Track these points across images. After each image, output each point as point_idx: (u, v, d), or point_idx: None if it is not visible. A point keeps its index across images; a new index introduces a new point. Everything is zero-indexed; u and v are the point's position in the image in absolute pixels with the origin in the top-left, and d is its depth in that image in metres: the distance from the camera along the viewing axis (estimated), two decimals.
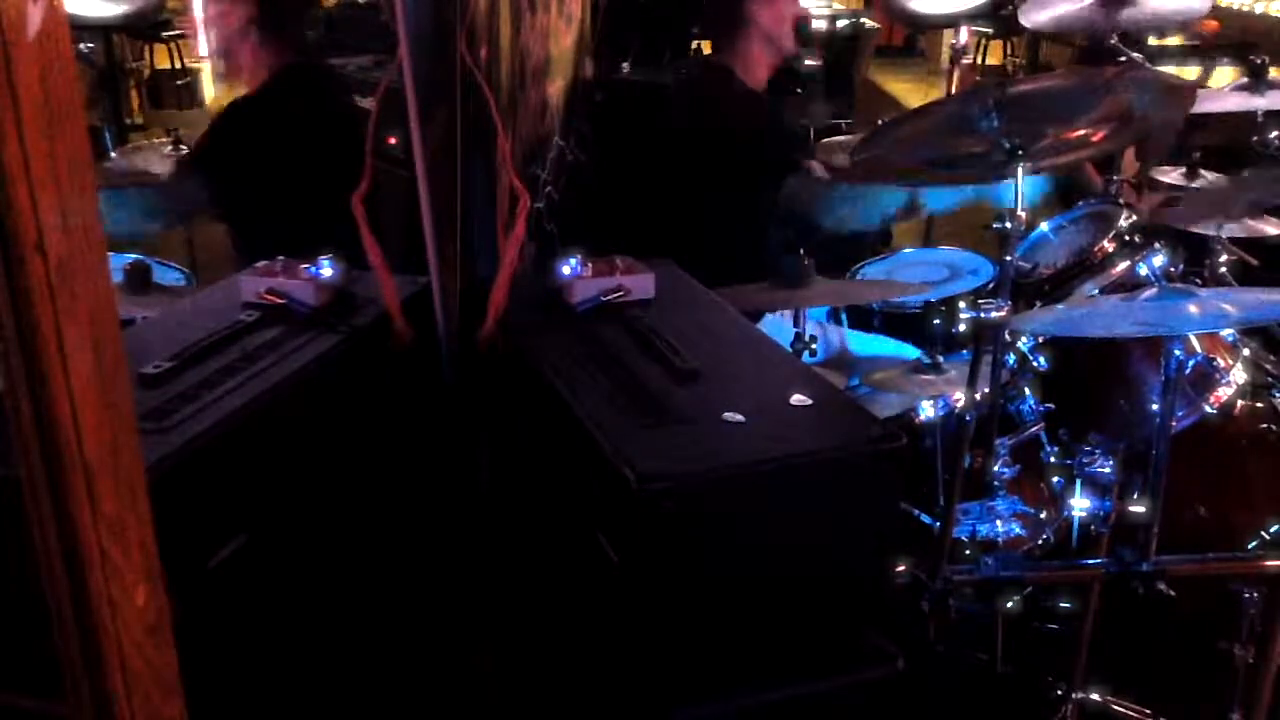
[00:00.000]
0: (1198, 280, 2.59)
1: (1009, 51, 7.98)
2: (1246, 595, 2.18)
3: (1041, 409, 2.52)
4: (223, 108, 3.16)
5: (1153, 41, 6.22)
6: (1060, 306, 2.41)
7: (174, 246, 3.72)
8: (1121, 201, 2.73)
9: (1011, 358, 2.48)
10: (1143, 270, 2.50)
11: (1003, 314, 2.00)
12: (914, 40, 9.65)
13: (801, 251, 2.70)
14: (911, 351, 2.99)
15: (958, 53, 4.37)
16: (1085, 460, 2.37)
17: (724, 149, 3.10)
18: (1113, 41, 3.48)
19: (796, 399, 1.66)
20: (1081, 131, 2.23)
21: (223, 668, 1.51)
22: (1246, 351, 2.51)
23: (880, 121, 2.43)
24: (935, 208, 3.02)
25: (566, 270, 2.03)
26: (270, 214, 2.93)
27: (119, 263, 2.78)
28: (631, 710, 1.62)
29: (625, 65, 4.43)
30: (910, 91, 8.21)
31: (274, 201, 2.91)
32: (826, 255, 2.91)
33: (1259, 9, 6.41)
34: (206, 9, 3.07)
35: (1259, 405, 2.51)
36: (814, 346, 2.75)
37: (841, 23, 5.76)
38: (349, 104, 3.60)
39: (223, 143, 3.10)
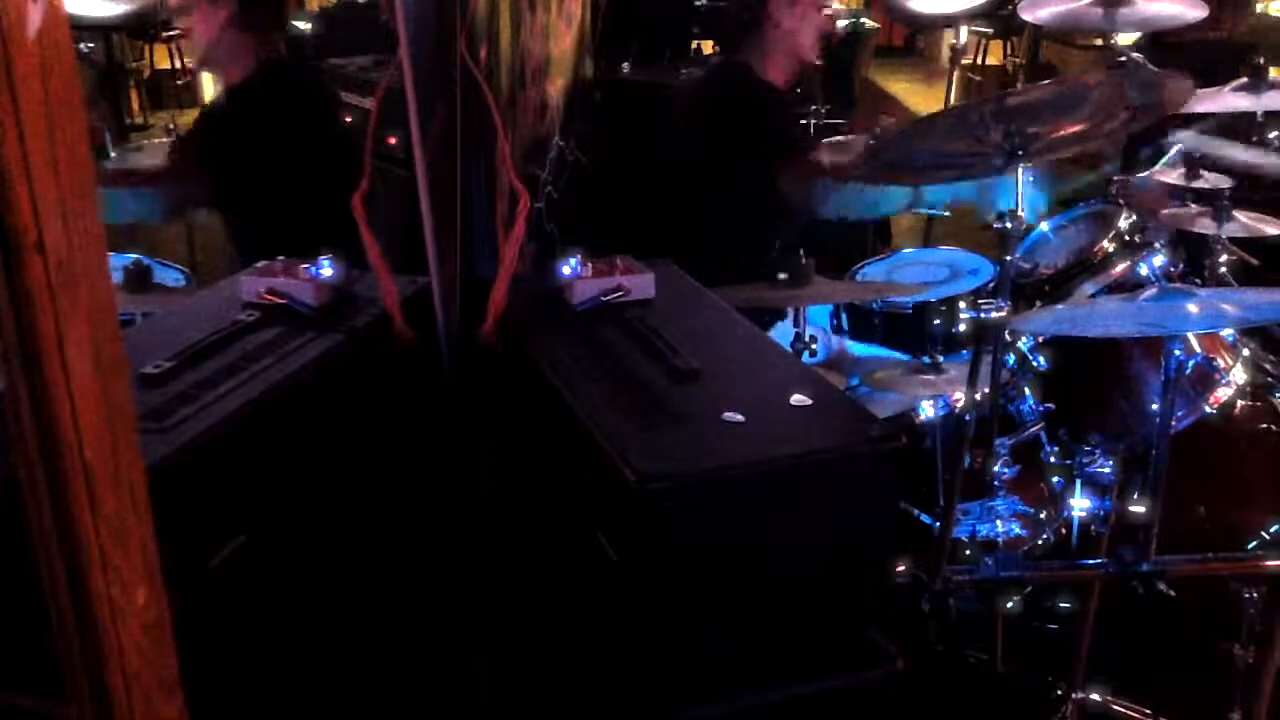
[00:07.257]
0: (1198, 280, 2.59)
1: (1009, 51, 7.97)
2: (1246, 595, 2.18)
3: (1041, 409, 2.52)
4: (204, 105, 3.16)
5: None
6: (1060, 306, 2.41)
7: (174, 246, 3.72)
8: (1121, 201, 2.73)
9: (1011, 358, 2.48)
10: (1143, 270, 2.50)
11: (1003, 314, 2.00)
12: (914, 40, 9.65)
13: (801, 251, 2.70)
14: None
15: (958, 53, 4.37)
16: (1085, 460, 2.37)
17: (741, 146, 3.10)
18: (1113, 41, 3.48)
19: (796, 399, 1.65)
20: (1083, 128, 2.23)
21: (223, 667, 1.50)
22: (1246, 351, 2.51)
23: (878, 131, 2.43)
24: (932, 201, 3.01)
25: (566, 270, 2.03)
26: (253, 209, 2.93)
27: (119, 263, 2.78)
28: (632, 710, 1.61)
29: (625, 65, 4.44)
30: (910, 91, 8.21)
31: (258, 196, 2.91)
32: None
33: (1259, 9, 6.41)
34: (192, 16, 3.04)
35: (1259, 405, 2.51)
36: (814, 347, 2.75)
37: (841, 23, 5.75)
38: (331, 98, 3.58)
39: (205, 140, 3.10)
